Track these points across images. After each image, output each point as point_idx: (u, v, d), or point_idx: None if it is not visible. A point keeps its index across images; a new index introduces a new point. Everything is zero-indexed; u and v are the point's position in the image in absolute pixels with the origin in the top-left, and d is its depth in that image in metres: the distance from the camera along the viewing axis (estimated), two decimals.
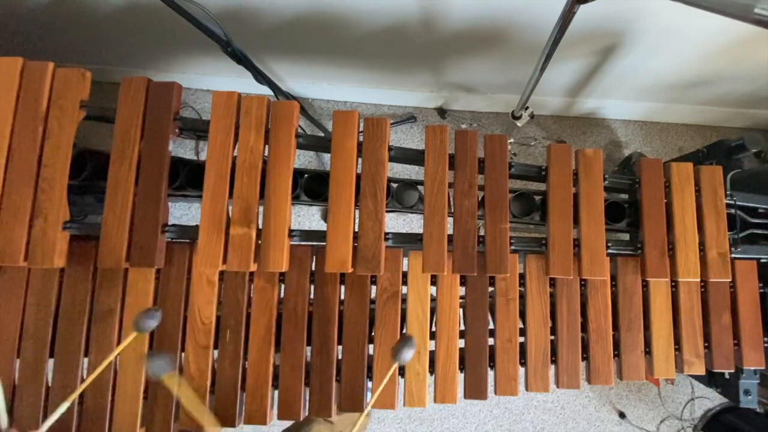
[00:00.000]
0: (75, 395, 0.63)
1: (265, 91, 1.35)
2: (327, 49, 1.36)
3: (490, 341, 0.79)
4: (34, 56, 0.76)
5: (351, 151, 0.77)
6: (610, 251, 0.81)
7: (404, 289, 0.78)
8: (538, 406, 1.60)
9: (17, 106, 0.73)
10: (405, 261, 0.80)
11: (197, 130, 0.81)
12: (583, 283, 0.81)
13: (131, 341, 0.65)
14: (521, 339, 0.79)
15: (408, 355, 0.64)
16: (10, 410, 0.72)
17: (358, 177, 0.77)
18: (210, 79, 1.61)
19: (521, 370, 0.78)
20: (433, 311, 0.78)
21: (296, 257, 0.76)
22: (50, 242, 0.71)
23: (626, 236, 0.91)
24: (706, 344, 0.81)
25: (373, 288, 0.78)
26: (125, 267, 0.73)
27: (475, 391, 0.77)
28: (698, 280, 0.81)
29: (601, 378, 0.79)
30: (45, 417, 0.71)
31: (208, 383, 0.73)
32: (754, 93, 1.57)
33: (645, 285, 0.82)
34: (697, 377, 1.35)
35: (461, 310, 0.80)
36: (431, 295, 0.78)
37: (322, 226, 0.86)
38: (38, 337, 0.73)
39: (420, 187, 0.89)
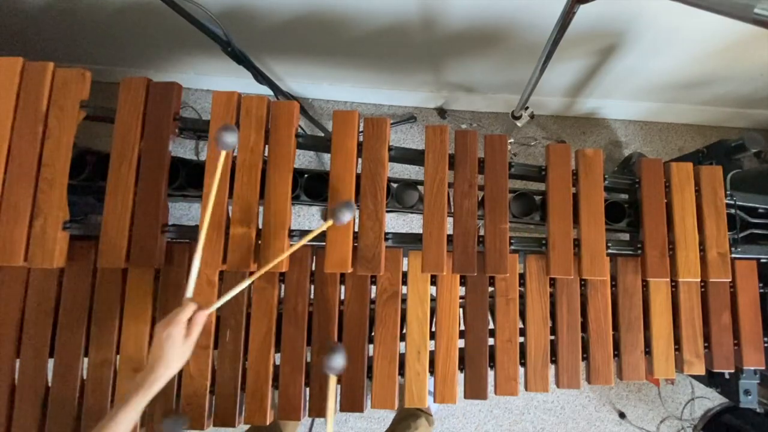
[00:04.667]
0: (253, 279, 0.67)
1: (265, 91, 1.35)
2: (327, 49, 1.36)
3: (490, 341, 0.79)
4: (34, 56, 0.76)
5: (351, 151, 0.77)
6: (610, 251, 0.81)
7: (404, 289, 0.78)
8: (538, 406, 1.60)
9: (17, 106, 0.73)
10: (405, 261, 0.80)
11: (197, 130, 0.81)
12: (583, 283, 0.81)
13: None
14: (521, 339, 0.79)
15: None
16: (11, 411, 0.72)
17: (358, 177, 0.77)
18: (210, 79, 1.61)
19: (521, 370, 0.78)
20: (433, 311, 0.78)
21: (296, 257, 0.76)
22: (50, 242, 0.71)
23: (626, 236, 0.91)
24: (706, 344, 0.81)
25: (373, 288, 0.78)
26: (125, 267, 0.73)
27: (475, 391, 0.77)
28: (698, 280, 0.81)
29: (601, 378, 0.79)
30: (44, 418, 0.72)
31: (208, 383, 0.73)
32: (754, 93, 1.57)
33: (645, 285, 0.82)
34: (697, 377, 1.35)
35: (461, 310, 0.80)
36: (431, 295, 0.78)
37: None
38: (38, 337, 0.73)
39: (420, 187, 0.89)
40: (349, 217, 0.71)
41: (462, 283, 0.79)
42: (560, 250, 0.78)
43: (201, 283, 0.74)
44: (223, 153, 0.70)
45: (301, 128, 1.58)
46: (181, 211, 1.58)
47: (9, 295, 0.73)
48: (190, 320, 0.62)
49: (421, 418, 1.14)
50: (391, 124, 1.54)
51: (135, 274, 0.74)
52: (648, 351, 0.80)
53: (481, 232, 0.79)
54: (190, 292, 0.65)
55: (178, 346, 0.60)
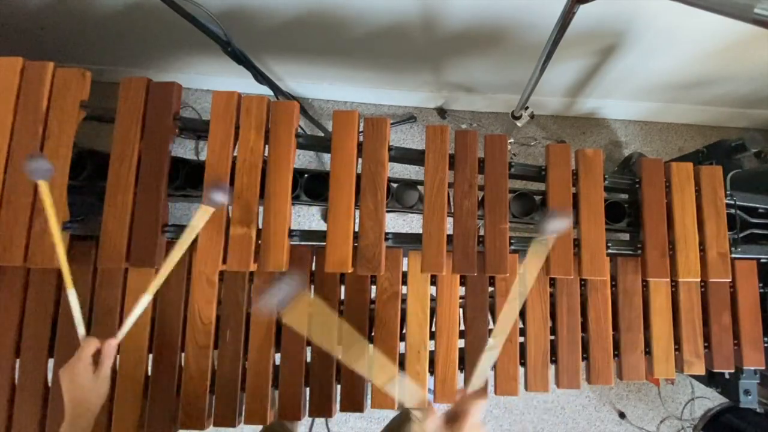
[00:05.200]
0: (153, 288, 0.64)
1: (265, 91, 1.35)
2: (327, 49, 1.36)
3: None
4: (34, 56, 0.76)
5: (351, 151, 0.77)
6: (610, 251, 0.81)
7: (404, 289, 0.78)
8: (538, 406, 1.60)
9: (17, 106, 0.73)
10: (405, 261, 0.80)
11: (197, 130, 0.81)
12: (583, 283, 0.81)
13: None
14: (521, 339, 0.79)
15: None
16: (11, 411, 0.72)
17: (358, 177, 0.77)
18: (210, 79, 1.61)
19: (521, 370, 0.78)
20: (433, 311, 0.78)
21: (296, 257, 0.76)
22: (50, 242, 0.71)
23: (626, 236, 0.91)
24: (706, 344, 0.81)
25: (373, 288, 0.78)
26: (125, 267, 0.73)
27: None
28: (698, 280, 0.81)
29: (601, 378, 0.79)
30: (44, 418, 0.72)
31: (208, 383, 0.73)
32: (754, 93, 1.57)
33: (645, 285, 0.82)
34: (697, 377, 1.35)
35: (461, 310, 0.80)
36: (431, 295, 0.78)
37: (322, 226, 0.86)
38: (38, 337, 0.73)
39: (420, 187, 0.89)
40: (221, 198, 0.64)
41: (462, 283, 0.79)
42: (560, 250, 0.78)
43: (201, 283, 0.74)
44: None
45: (301, 128, 1.58)
46: (181, 211, 1.58)
47: (9, 295, 0.73)
48: (95, 355, 0.60)
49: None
50: (391, 124, 1.54)
51: (135, 274, 0.74)
52: (648, 351, 0.80)
53: (481, 232, 0.79)
54: (80, 330, 0.63)
55: (86, 383, 0.58)
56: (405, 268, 0.79)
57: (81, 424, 0.58)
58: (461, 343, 0.78)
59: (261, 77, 1.26)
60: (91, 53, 1.45)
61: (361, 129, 0.79)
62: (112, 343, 0.61)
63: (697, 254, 0.80)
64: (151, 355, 0.73)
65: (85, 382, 0.58)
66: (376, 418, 1.54)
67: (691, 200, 0.82)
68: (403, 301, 0.77)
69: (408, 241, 0.78)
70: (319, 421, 1.51)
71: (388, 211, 0.84)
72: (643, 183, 0.83)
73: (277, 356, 0.76)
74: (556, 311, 0.79)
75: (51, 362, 0.73)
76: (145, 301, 0.63)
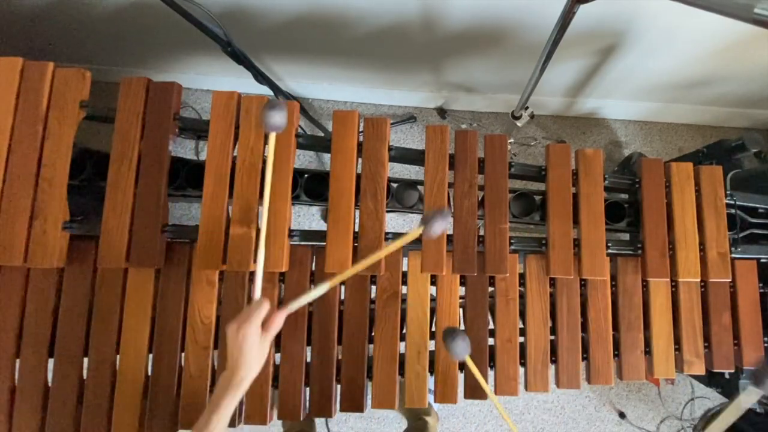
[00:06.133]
0: (337, 280, 0.66)
1: (265, 91, 1.35)
2: (327, 49, 1.36)
3: (490, 341, 0.79)
4: (35, 56, 0.76)
5: (351, 151, 0.77)
6: (610, 251, 0.81)
7: (404, 289, 0.78)
8: (538, 406, 1.60)
9: (17, 106, 0.73)
10: (405, 261, 0.80)
11: (197, 130, 0.81)
12: (583, 283, 0.81)
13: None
14: (521, 339, 0.79)
15: None
16: (11, 411, 0.72)
17: (358, 177, 0.77)
18: (210, 79, 1.61)
19: (521, 370, 0.78)
20: (433, 311, 0.78)
21: (296, 257, 0.76)
22: (50, 242, 0.71)
23: (626, 236, 0.91)
24: (706, 344, 0.81)
25: (373, 288, 0.78)
26: (125, 267, 0.73)
27: (475, 391, 0.77)
28: (698, 280, 0.81)
29: (601, 378, 0.79)
30: (44, 418, 0.72)
31: (208, 383, 0.73)
32: (754, 93, 1.57)
33: (645, 285, 0.82)
34: (697, 377, 1.35)
35: (461, 310, 0.80)
36: (431, 295, 0.78)
37: (322, 226, 0.86)
38: (38, 337, 0.73)
39: (420, 187, 0.89)
40: (441, 228, 0.64)
41: (462, 283, 0.79)
42: (560, 250, 0.78)
43: (201, 283, 0.74)
44: (273, 135, 0.66)
45: (301, 128, 1.58)
46: (181, 211, 1.58)
47: (9, 295, 0.73)
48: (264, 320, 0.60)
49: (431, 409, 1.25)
50: (391, 124, 1.54)
51: (135, 274, 0.74)
52: (648, 351, 0.80)
53: (481, 232, 0.79)
54: (258, 292, 0.63)
55: (255, 347, 0.58)
56: (405, 268, 0.79)
57: (244, 387, 0.57)
58: None
59: (261, 77, 1.26)
60: (91, 53, 1.45)
61: (361, 129, 0.79)
62: (283, 314, 0.60)
63: (697, 254, 0.80)
64: (151, 355, 0.73)
65: (253, 344, 0.57)
66: (376, 418, 1.54)
67: (691, 200, 0.82)
68: (403, 301, 0.77)
69: None
70: (319, 421, 1.51)
71: (388, 211, 0.84)
72: (643, 183, 0.83)
73: (278, 356, 0.76)
74: (556, 311, 0.79)
75: (51, 362, 0.73)
76: (324, 287, 0.64)
